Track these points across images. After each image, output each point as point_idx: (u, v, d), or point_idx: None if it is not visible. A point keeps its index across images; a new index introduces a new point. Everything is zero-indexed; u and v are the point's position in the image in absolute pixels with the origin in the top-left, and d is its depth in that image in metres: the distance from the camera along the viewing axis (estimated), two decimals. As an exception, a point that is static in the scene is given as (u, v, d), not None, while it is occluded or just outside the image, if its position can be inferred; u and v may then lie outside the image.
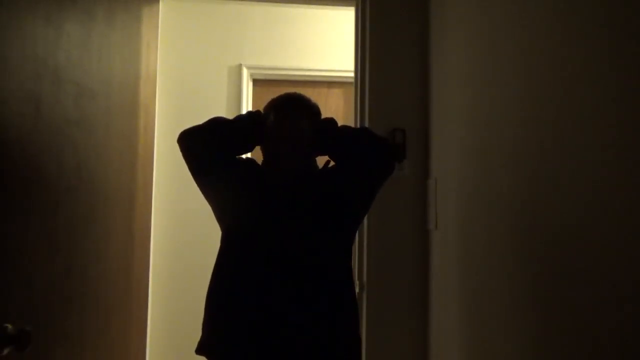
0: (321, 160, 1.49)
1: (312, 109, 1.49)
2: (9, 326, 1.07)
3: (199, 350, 1.36)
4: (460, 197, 1.55)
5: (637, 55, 0.77)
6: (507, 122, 1.23)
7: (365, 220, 1.85)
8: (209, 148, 1.41)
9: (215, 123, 1.45)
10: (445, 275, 1.68)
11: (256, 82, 3.10)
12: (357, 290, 1.83)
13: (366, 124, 1.91)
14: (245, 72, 3.01)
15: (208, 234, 2.91)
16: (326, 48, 3.07)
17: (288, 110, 1.45)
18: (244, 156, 1.50)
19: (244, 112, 2.95)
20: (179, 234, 2.86)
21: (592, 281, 0.87)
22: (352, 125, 1.91)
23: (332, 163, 1.49)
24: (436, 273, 1.78)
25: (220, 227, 1.46)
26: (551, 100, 1.02)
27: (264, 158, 1.48)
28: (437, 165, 1.79)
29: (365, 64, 1.96)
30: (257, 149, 1.50)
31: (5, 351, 1.04)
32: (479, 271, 1.39)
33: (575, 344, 0.92)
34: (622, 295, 0.79)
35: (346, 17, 2.83)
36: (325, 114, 1.51)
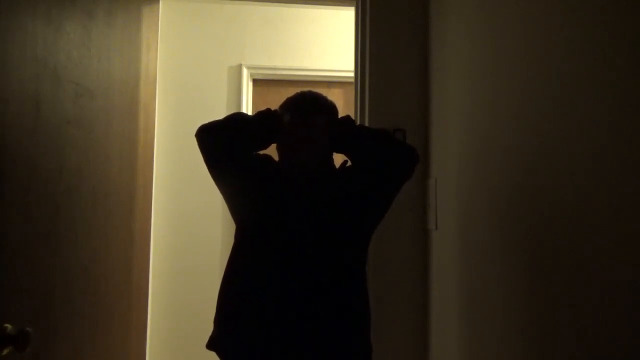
0: (337, 159, 1.47)
1: (328, 108, 1.47)
2: (9, 326, 1.07)
3: (210, 345, 1.35)
4: (460, 197, 1.55)
5: (638, 55, 0.77)
6: (507, 122, 1.23)
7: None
8: (226, 143, 1.40)
9: (233, 119, 1.45)
10: (445, 275, 1.68)
11: (256, 82, 3.11)
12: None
13: (366, 124, 1.91)
14: (245, 72, 3.02)
15: (208, 234, 2.94)
16: (326, 48, 3.07)
17: (304, 110, 1.44)
18: (261, 153, 1.48)
19: (244, 112, 2.95)
20: (179, 234, 2.86)
21: (593, 281, 0.87)
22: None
23: (349, 163, 1.47)
24: (436, 273, 1.78)
25: (235, 222, 1.45)
26: (552, 101, 1.02)
27: (279, 157, 1.47)
28: (437, 165, 1.79)
29: (365, 64, 1.95)
30: (273, 146, 1.48)
31: (5, 351, 1.05)
32: (478, 271, 1.39)
33: (576, 344, 0.92)
34: (623, 296, 0.79)
35: (346, 17, 2.83)
36: (325, 113, 1.49)
